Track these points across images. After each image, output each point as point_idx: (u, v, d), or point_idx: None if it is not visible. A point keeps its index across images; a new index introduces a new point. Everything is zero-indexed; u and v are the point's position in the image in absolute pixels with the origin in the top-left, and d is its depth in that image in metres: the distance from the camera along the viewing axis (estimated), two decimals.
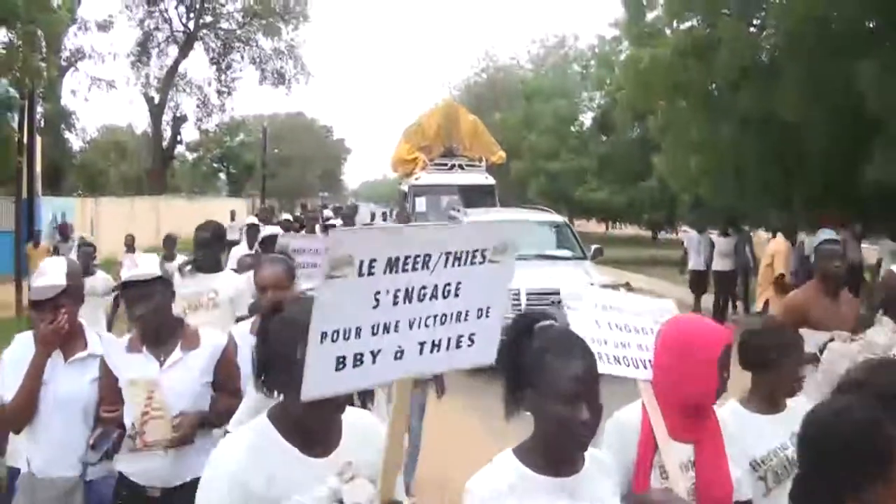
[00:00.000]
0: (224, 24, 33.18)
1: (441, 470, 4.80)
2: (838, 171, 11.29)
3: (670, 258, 19.66)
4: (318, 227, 10.26)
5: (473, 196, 13.55)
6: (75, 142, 30.24)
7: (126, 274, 2.71)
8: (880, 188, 10.24)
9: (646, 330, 2.19)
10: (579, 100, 30.97)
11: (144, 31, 31.29)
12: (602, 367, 1.86)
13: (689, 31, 13.93)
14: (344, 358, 1.47)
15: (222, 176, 49.45)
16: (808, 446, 1.39)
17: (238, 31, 33.11)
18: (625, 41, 20.77)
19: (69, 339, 2.72)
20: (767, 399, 2.34)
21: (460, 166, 15.09)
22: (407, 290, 1.51)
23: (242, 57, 33.45)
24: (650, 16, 15.49)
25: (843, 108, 10.50)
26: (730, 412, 2.28)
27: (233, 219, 20.23)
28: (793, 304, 4.18)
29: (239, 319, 3.60)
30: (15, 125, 14.46)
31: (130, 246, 10.71)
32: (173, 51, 31.78)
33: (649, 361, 2.11)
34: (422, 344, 1.57)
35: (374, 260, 1.44)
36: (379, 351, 1.51)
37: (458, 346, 1.63)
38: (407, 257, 1.48)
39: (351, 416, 1.71)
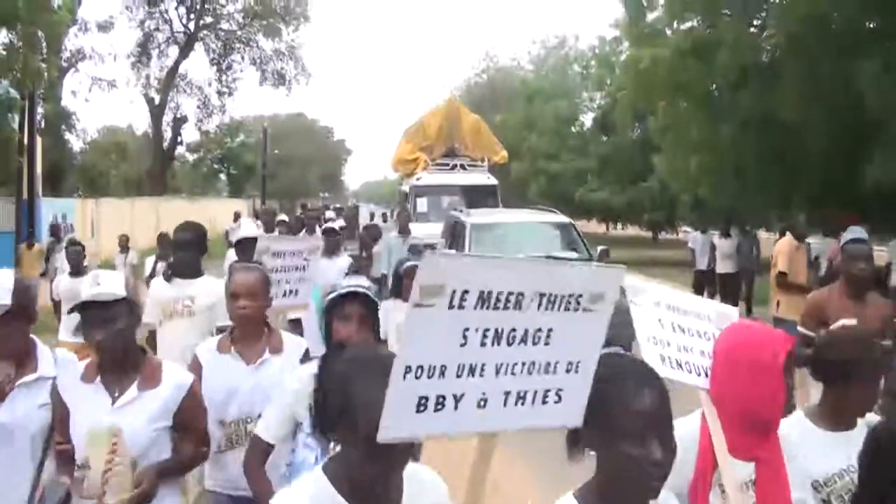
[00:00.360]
0: (224, 25, 33.21)
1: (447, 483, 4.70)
2: (838, 171, 11.31)
3: (671, 259, 19.66)
4: (318, 229, 10.14)
5: (475, 196, 13.49)
6: (76, 143, 30.32)
7: (86, 292, 2.35)
8: (880, 188, 10.25)
9: (708, 335, 2.03)
10: (580, 100, 31.00)
11: (145, 31, 31.33)
12: (663, 371, 1.74)
13: (689, 32, 13.96)
14: (426, 399, 1.33)
15: (223, 177, 49.43)
16: (876, 454, 1.33)
17: (238, 32, 33.13)
18: (625, 42, 20.78)
19: (18, 361, 2.42)
20: (838, 415, 2.11)
21: (462, 166, 14.98)
22: (497, 330, 1.37)
23: (243, 58, 33.50)
24: (650, 16, 15.51)
25: (843, 108, 10.52)
26: (794, 424, 2.08)
27: (236, 219, 20.25)
28: (811, 303, 3.95)
29: (221, 330, 3.36)
30: (15, 126, 14.47)
31: (124, 246, 10.59)
32: (174, 51, 31.83)
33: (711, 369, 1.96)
34: (507, 394, 1.43)
35: (467, 292, 1.31)
36: (462, 395, 1.38)
37: (543, 402, 1.47)
38: (500, 293, 1.35)
39: (409, 471, 1.54)
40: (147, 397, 2.37)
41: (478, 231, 9.08)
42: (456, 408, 1.37)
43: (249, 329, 2.81)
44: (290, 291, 4.05)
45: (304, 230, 9.88)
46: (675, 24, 14.51)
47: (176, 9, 31.79)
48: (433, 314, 1.29)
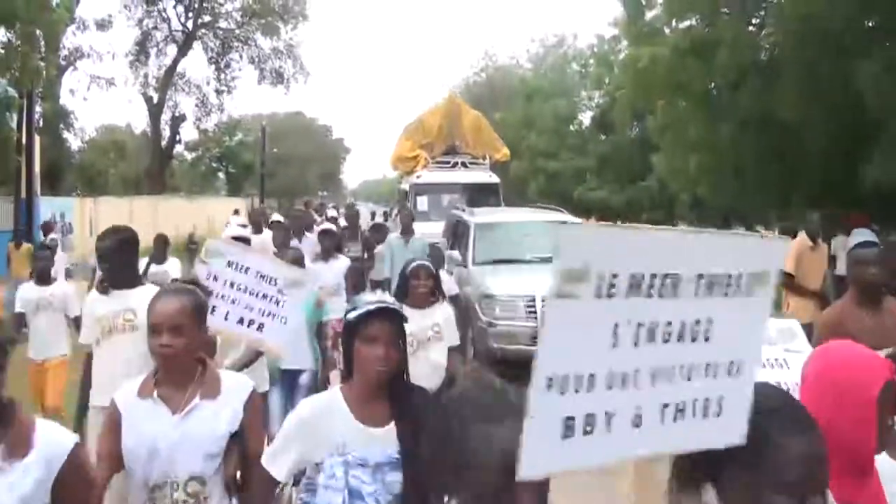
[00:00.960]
0: (223, 24, 33.16)
1: None
2: (838, 171, 11.31)
3: None
4: (313, 231, 9.11)
5: (477, 195, 13.39)
6: (74, 141, 30.32)
7: None
8: (880, 188, 10.26)
9: (780, 361, 1.80)
10: (578, 99, 31.00)
11: (143, 30, 31.27)
12: None
13: (688, 31, 13.95)
14: (572, 420, 1.07)
15: (221, 175, 49.39)
16: None
17: (237, 31, 33.09)
18: (624, 40, 20.77)
19: None
20: None
21: (463, 164, 14.78)
22: (650, 324, 1.11)
23: (241, 56, 33.45)
24: (649, 15, 15.49)
25: (843, 108, 10.52)
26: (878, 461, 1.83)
27: (236, 213, 20.35)
28: (826, 321, 3.52)
29: None
30: (14, 125, 14.46)
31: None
32: (172, 50, 31.79)
33: None
34: (664, 407, 1.16)
35: (616, 275, 1.05)
36: (615, 412, 1.11)
37: (704, 415, 1.19)
38: (653, 276, 1.09)
39: None
40: (13, 471, 1.73)
41: (482, 231, 8.96)
42: (608, 428, 1.10)
43: (175, 370, 2.27)
44: (250, 322, 3.31)
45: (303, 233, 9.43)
46: (673, 23, 14.51)
47: (174, 7, 31.78)
48: (578, 307, 1.03)
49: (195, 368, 2.30)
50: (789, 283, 7.06)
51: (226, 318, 3.28)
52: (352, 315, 2.13)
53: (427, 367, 3.77)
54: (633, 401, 1.12)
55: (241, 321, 3.30)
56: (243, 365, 3.88)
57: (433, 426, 1.27)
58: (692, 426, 1.19)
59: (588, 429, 1.08)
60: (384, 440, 2.07)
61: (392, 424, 2.08)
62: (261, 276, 3.33)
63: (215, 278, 3.29)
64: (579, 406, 1.07)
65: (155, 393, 2.26)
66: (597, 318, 1.06)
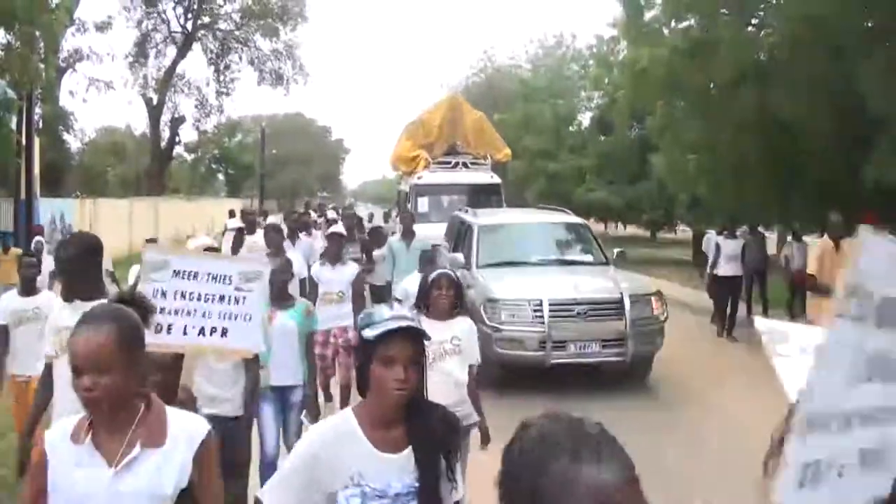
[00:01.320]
0: (222, 25, 33.20)
1: None
2: (838, 171, 11.32)
3: (672, 258, 19.72)
4: (310, 234, 9.17)
5: (479, 196, 13.22)
6: (74, 143, 30.36)
7: None
8: (880, 188, 10.27)
9: None
10: (578, 99, 31.01)
11: (142, 31, 31.31)
12: None
13: (687, 31, 13.95)
14: (808, 467, 0.93)
15: (220, 176, 49.48)
16: None
17: (236, 32, 33.13)
18: (623, 41, 20.77)
19: None
20: None
21: (465, 164, 14.57)
22: (886, 360, 0.99)
23: (240, 57, 33.52)
24: (648, 15, 15.47)
25: (843, 109, 10.53)
26: None
27: (231, 216, 20.25)
28: None
29: None
30: (13, 126, 14.44)
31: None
32: (171, 51, 31.83)
33: None
34: (862, 455, 1.02)
35: (871, 294, 0.93)
36: (831, 461, 0.96)
37: (888, 467, 1.08)
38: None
39: None
40: None
41: (486, 233, 8.82)
42: (819, 479, 0.95)
43: (106, 415, 1.82)
44: (212, 330, 2.96)
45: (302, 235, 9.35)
46: (672, 24, 14.50)
47: (174, 9, 31.81)
48: (843, 330, 0.91)
49: (135, 409, 1.86)
50: (812, 283, 7.10)
51: (185, 333, 2.92)
52: (370, 333, 1.92)
53: (442, 380, 3.62)
54: (844, 449, 0.98)
55: (202, 332, 2.95)
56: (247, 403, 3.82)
57: (505, 472, 1.10)
58: (877, 478, 1.04)
59: (813, 478, 0.94)
60: (401, 467, 1.93)
61: (409, 449, 1.95)
62: (212, 277, 2.99)
63: (163, 294, 2.90)
64: (817, 449, 0.93)
65: (88, 438, 1.82)
66: (849, 346, 0.93)
